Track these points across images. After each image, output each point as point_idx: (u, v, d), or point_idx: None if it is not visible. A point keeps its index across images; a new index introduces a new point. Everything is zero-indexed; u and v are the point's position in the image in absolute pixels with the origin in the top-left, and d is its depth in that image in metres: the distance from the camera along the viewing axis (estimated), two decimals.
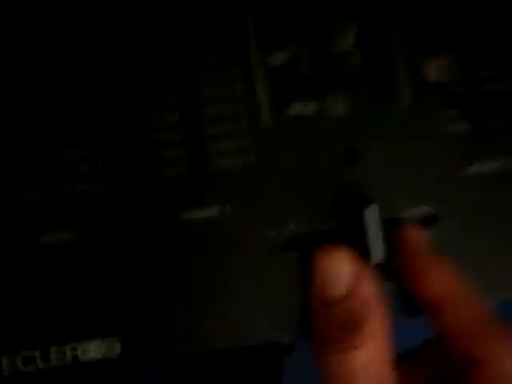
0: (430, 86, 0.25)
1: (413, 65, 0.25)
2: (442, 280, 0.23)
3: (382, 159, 0.25)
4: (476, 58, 0.25)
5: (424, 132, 0.25)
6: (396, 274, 0.24)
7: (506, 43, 0.25)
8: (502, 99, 0.25)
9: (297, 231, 0.24)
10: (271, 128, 0.24)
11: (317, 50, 0.25)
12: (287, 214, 0.24)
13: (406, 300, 0.24)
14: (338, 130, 0.25)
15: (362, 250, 0.23)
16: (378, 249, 0.23)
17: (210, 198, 0.24)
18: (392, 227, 0.24)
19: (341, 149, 0.24)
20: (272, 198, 0.24)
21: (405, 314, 0.25)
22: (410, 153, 0.25)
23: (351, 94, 0.25)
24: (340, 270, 0.22)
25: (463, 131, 0.25)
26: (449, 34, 0.25)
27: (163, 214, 0.24)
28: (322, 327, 0.23)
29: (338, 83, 0.25)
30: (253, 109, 0.24)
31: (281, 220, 0.24)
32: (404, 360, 0.25)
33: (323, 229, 0.24)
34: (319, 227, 0.24)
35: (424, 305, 0.24)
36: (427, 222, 0.25)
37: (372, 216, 0.23)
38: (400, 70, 0.25)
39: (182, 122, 0.24)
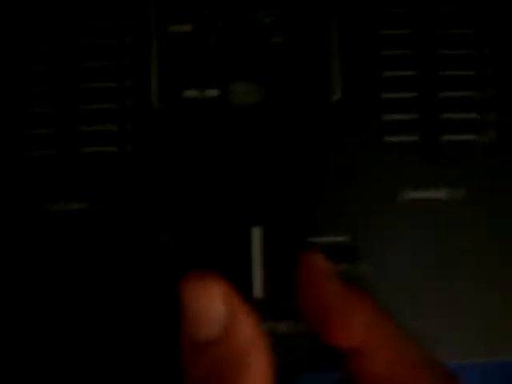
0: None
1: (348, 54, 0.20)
2: (364, 324, 0.19)
3: (291, 166, 0.20)
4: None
5: (357, 138, 0.20)
6: (299, 314, 0.19)
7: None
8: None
9: (169, 244, 0.19)
10: (159, 109, 0.20)
11: (232, 20, 0.20)
12: (160, 220, 0.20)
13: (317, 347, 0.19)
14: (243, 122, 0.20)
15: (243, 281, 0.18)
16: (258, 281, 0.18)
17: (78, 187, 0.20)
18: (293, 254, 0.19)
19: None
20: (147, 197, 0.20)
21: (316, 364, 0.20)
22: (331, 161, 0.20)
23: (264, 80, 0.20)
24: (213, 305, 0.18)
25: (409, 143, 0.20)
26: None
27: (28, 201, 0.20)
28: (191, 375, 0.18)
29: (248, 66, 0.20)
30: (141, 86, 0.20)
31: (152, 228, 0.20)
32: None
33: (200, 247, 0.19)
34: (195, 243, 0.19)
35: (340, 353, 0.19)
36: (343, 255, 0.20)
37: (256, 239, 0.18)
38: (334, 59, 0.20)
39: (56, 95, 0.20)
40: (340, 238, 0.20)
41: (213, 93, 0.20)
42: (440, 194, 0.20)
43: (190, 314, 0.18)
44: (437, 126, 0.20)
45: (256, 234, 0.18)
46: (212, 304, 0.18)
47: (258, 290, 0.18)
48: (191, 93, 0.20)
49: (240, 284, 0.18)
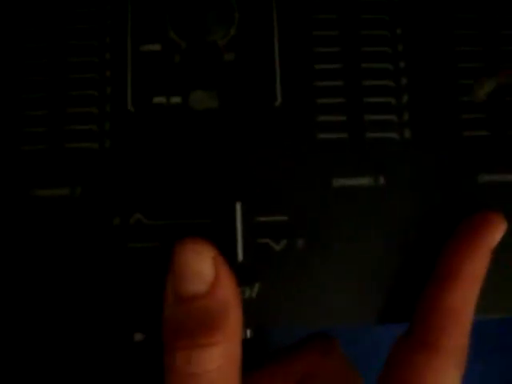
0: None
1: (289, 69, 0.25)
2: None
3: (242, 158, 0.24)
4: None
5: (295, 136, 0.24)
6: None
7: None
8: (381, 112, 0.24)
9: (150, 221, 0.23)
10: (133, 113, 0.24)
11: (193, 42, 0.24)
12: (139, 201, 0.24)
13: None
14: (203, 123, 0.24)
15: (225, 248, 0.22)
16: (240, 247, 0.22)
17: (63, 176, 0.24)
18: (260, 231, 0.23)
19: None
20: (126, 183, 0.24)
21: None
22: (275, 154, 0.24)
23: (219, 90, 0.24)
24: (202, 265, 0.21)
25: (339, 139, 0.24)
26: None
27: (15, 188, 0.24)
28: (173, 322, 0.21)
29: (206, 78, 0.24)
30: (118, 93, 0.24)
31: (129, 207, 0.24)
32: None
33: (186, 221, 0.23)
34: (181, 219, 0.23)
35: None
36: (284, 232, 0.24)
37: (239, 213, 0.22)
38: (276, 72, 0.25)
39: (47, 100, 0.24)
40: (280, 218, 0.24)
41: (177, 99, 0.24)
42: (364, 181, 0.24)
43: (181, 271, 0.21)
44: (362, 126, 0.24)
45: (239, 208, 0.22)
46: (203, 265, 0.21)
47: (240, 255, 0.22)
48: (159, 99, 0.24)
49: (223, 250, 0.22)
